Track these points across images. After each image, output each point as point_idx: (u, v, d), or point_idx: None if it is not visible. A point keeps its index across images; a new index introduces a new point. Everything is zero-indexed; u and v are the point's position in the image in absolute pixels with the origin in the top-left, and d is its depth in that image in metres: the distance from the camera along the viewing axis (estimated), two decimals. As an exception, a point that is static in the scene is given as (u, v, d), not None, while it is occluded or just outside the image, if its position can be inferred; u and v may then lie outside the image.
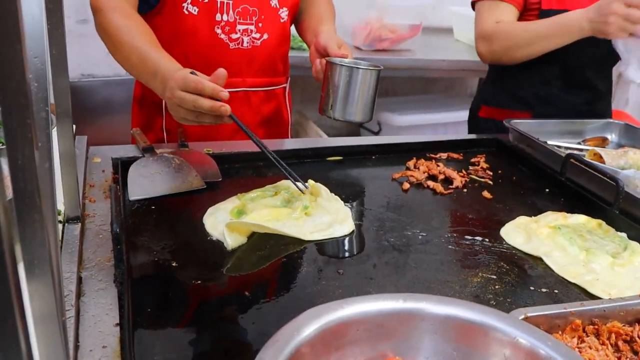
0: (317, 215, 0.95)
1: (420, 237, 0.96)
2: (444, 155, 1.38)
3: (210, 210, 0.97)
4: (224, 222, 0.90)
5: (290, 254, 0.88)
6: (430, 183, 1.21)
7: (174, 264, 0.81)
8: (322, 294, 0.77)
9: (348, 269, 0.84)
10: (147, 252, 0.84)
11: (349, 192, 1.11)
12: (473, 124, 1.68)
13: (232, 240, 0.87)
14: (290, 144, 1.40)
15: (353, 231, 0.95)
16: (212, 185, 1.11)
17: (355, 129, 2.83)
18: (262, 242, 0.90)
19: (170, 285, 0.77)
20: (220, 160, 1.20)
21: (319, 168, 1.31)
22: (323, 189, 1.06)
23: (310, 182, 1.08)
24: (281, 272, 0.83)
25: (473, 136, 1.46)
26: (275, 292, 0.78)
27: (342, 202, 1.03)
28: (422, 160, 1.32)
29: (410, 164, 1.32)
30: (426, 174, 1.27)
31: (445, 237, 0.97)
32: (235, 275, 0.81)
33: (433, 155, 1.40)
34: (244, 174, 1.18)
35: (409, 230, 0.98)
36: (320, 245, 0.91)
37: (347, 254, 0.90)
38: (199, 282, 0.78)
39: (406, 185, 1.19)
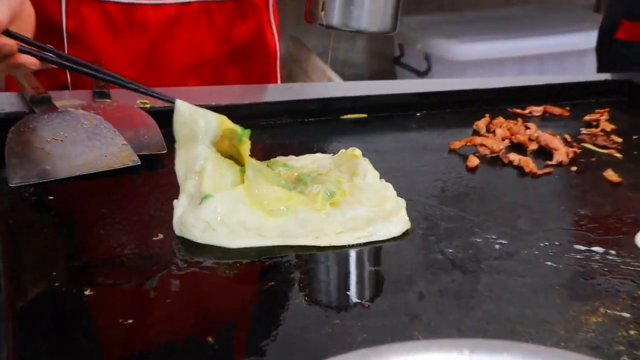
0: (350, 206, 0.98)
1: (497, 246, 0.94)
2: (537, 111, 1.38)
3: (180, 201, 0.96)
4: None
5: (285, 269, 0.87)
6: (515, 157, 1.18)
7: (87, 292, 0.79)
8: (335, 340, 0.74)
9: (378, 300, 0.83)
10: (41, 275, 0.82)
11: (380, 171, 1.10)
12: (605, 52, 1.65)
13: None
14: (278, 92, 1.43)
15: (407, 232, 0.96)
16: (151, 161, 1.11)
17: (387, 67, 2.77)
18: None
19: (82, 327, 0.76)
20: (165, 120, 1.17)
21: (329, 132, 1.32)
22: (363, 165, 1.07)
23: (343, 151, 1.11)
24: (269, 301, 0.83)
25: (591, 77, 1.48)
26: (258, 338, 0.75)
27: (390, 185, 1.06)
28: (501, 119, 1.31)
29: (481, 125, 1.31)
30: (507, 142, 1.25)
31: (540, 247, 0.94)
32: (192, 307, 0.81)
33: (519, 111, 1.39)
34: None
35: (479, 235, 0.97)
36: (336, 256, 0.91)
37: (375, 274, 0.89)
38: (130, 321, 0.76)
39: (473, 161, 1.17)
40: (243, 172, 0.98)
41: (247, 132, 0.99)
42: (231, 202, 0.93)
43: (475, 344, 0.57)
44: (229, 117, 1.27)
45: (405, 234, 0.96)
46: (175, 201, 0.95)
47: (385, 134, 1.33)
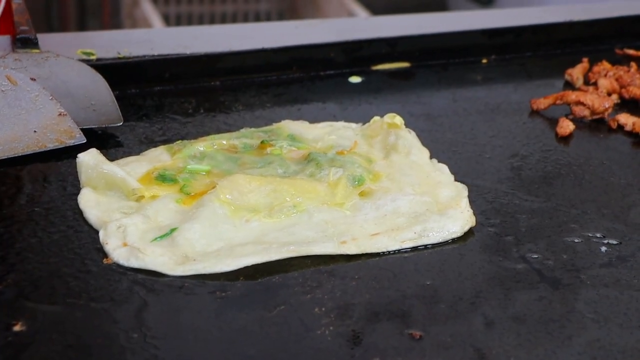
0: (387, 196, 1.00)
1: (604, 249, 0.97)
2: None
3: (93, 184, 1.01)
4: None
5: (300, 288, 0.89)
6: (627, 119, 1.21)
7: (16, 328, 0.81)
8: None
9: (433, 328, 0.84)
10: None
11: (431, 144, 1.13)
12: None
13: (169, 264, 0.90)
14: (282, 32, 1.43)
15: (471, 231, 0.99)
16: (101, 137, 1.14)
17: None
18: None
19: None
20: (118, 78, 1.24)
21: (356, 90, 1.33)
22: (406, 139, 1.11)
23: (377, 119, 1.15)
24: (278, 332, 0.84)
25: None
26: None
27: (445, 166, 1.09)
28: (606, 65, 1.34)
29: (576, 74, 1.32)
30: (616, 98, 1.27)
31: None
32: (175, 350, 0.81)
33: (632, 52, 1.42)
34: (176, 107, 1.25)
35: (577, 233, 0.99)
36: (371, 268, 0.93)
37: (428, 293, 0.90)
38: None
39: (567, 127, 1.20)
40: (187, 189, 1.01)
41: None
42: (207, 225, 0.95)
43: None
44: (209, 71, 1.31)
45: (468, 233, 0.98)
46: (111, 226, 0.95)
47: (438, 91, 1.35)
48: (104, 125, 1.14)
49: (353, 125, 1.17)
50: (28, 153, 1.07)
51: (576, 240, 0.97)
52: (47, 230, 0.96)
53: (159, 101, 1.27)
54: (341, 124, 1.18)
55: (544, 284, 0.90)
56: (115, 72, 1.25)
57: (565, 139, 1.18)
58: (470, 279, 0.91)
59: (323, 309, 0.85)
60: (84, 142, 1.09)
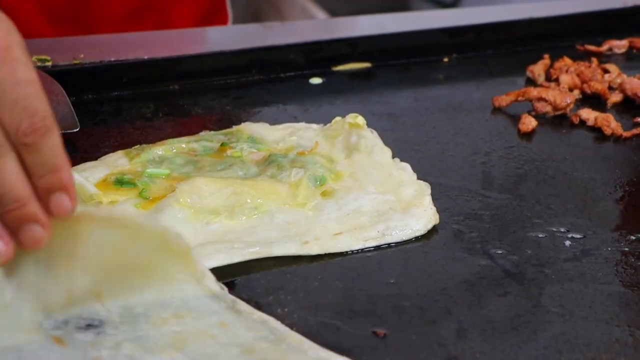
0: (350, 196, 1.00)
1: (568, 243, 0.97)
2: (619, 46, 1.42)
3: None
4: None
5: (263, 290, 0.89)
6: (589, 114, 1.21)
7: None
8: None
9: (398, 326, 0.84)
10: None
11: (394, 143, 1.13)
12: None
13: None
14: (242, 35, 1.43)
15: (435, 229, 0.98)
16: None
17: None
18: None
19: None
20: (73, 84, 1.23)
21: (318, 91, 1.33)
22: (368, 139, 1.10)
23: (339, 119, 1.14)
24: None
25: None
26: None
27: (407, 165, 1.09)
28: (567, 61, 1.34)
29: (538, 70, 1.33)
30: (577, 94, 1.28)
31: (630, 241, 0.97)
32: None
33: (593, 48, 1.43)
34: (135, 112, 1.24)
35: (541, 228, 0.99)
36: (334, 268, 0.93)
37: (392, 292, 0.90)
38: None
39: (529, 123, 1.20)
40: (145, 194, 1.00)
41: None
42: (168, 224, 0.93)
43: None
44: (170, 75, 1.31)
45: (432, 231, 0.97)
46: None
47: (400, 90, 1.34)
48: (60, 132, 1.13)
49: (314, 126, 1.17)
50: None
51: (540, 236, 0.97)
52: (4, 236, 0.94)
53: (117, 106, 1.26)
54: (302, 124, 1.17)
55: (508, 280, 0.90)
56: (71, 78, 1.24)
57: (527, 135, 1.18)
58: (434, 277, 0.91)
59: (286, 309, 0.85)
60: None
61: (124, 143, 1.14)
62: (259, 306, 0.85)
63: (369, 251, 0.94)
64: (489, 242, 0.96)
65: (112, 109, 1.25)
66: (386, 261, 0.93)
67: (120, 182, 1.01)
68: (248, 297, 0.86)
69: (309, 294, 0.88)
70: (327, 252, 0.94)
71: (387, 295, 0.88)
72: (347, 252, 0.94)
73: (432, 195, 1.02)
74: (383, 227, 0.96)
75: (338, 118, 1.14)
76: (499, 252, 0.94)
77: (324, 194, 1.00)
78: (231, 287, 0.88)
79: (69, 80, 1.21)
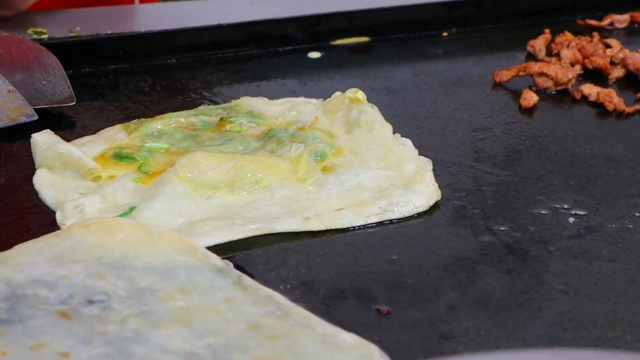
0: (351, 171, 1.01)
1: (571, 219, 0.97)
2: (621, 21, 1.43)
3: (49, 164, 1.00)
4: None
5: (264, 266, 0.89)
6: (591, 89, 1.21)
7: None
8: None
9: (401, 303, 0.85)
10: None
11: (394, 119, 1.13)
12: None
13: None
14: (238, 8, 1.42)
15: (437, 205, 0.99)
16: (54, 117, 1.15)
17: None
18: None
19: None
20: (71, 57, 1.23)
21: (316, 66, 1.32)
22: (368, 114, 1.11)
23: (338, 94, 1.15)
24: None
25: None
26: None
27: (408, 140, 1.09)
28: (568, 36, 1.34)
29: (538, 45, 1.33)
30: (579, 69, 1.28)
31: (635, 217, 0.98)
32: None
33: (594, 22, 1.44)
34: (132, 85, 1.26)
35: (544, 204, 1.00)
36: (336, 244, 0.93)
37: (394, 268, 0.90)
38: None
39: (530, 98, 1.20)
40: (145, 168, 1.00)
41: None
42: (166, 202, 0.94)
43: (554, 356, 0.58)
44: (167, 48, 1.31)
45: (434, 207, 0.98)
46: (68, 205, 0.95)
47: (399, 65, 1.35)
48: (56, 105, 1.13)
49: (313, 100, 1.17)
50: None
51: (543, 212, 0.97)
52: (2, 212, 0.95)
53: (114, 80, 1.27)
54: (301, 99, 1.17)
55: (512, 257, 0.90)
56: (67, 51, 1.24)
57: (529, 111, 1.19)
58: (437, 253, 0.91)
59: (288, 286, 0.85)
60: (35, 119, 1.09)
61: (122, 117, 1.14)
62: (261, 282, 0.85)
63: (371, 227, 0.95)
64: (491, 218, 0.97)
65: (109, 82, 1.26)
66: (388, 237, 0.94)
67: (119, 156, 1.01)
68: (250, 274, 0.86)
69: (311, 270, 0.88)
70: (328, 228, 0.94)
71: (390, 272, 0.88)
72: (348, 228, 0.94)
73: (434, 171, 1.02)
74: (385, 203, 0.96)
75: (338, 93, 1.15)
76: (502, 228, 0.95)
77: (325, 169, 1.00)
78: (232, 263, 0.88)
79: (66, 53, 1.21)
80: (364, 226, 0.95)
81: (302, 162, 1.00)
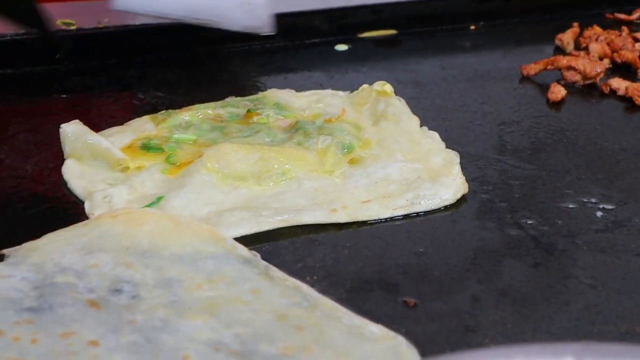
0: (378, 163, 1.01)
1: (599, 214, 0.97)
2: None
3: (78, 155, 1.01)
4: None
5: (291, 257, 0.89)
6: (620, 84, 1.21)
7: None
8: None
9: (428, 295, 0.85)
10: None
11: (420, 112, 1.13)
12: None
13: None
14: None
15: (464, 198, 0.99)
16: (83, 108, 1.17)
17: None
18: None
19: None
20: (99, 48, 1.26)
21: (343, 59, 1.32)
22: (396, 106, 1.11)
23: (366, 87, 1.15)
24: None
25: None
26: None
27: (435, 133, 1.09)
28: (597, 30, 1.34)
29: (567, 38, 1.32)
30: (607, 63, 1.27)
31: None
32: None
33: (623, 16, 1.43)
34: (160, 77, 1.27)
35: (571, 198, 1.00)
36: (362, 236, 0.93)
37: (422, 260, 0.91)
38: None
39: (558, 92, 1.20)
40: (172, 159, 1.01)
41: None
42: (194, 191, 0.95)
43: (582, 349, 0.57)
44: (195, 40, 1.31)
45: (461, 200, 0.98)
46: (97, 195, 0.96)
47: (426, 58, 1.35)
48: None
49: (340, 93, 1.17)
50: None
51: (571, 206, 0.97)
52: (32, 201, 0.97)
53: (142, 71, 1.27)
54: (328, 91, 1.18)
55: (539, 250, 0.90)
56: (95, 42, 1.25)
57: (556, 105, 1.18)
58: (464, 246, 0.91)
59: (315, 277, 0.86)
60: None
61: (150, 108, 1.15)
62: (288, 274, 0.85)
63: (398, 220, 0.95)
64: (518, 211, 0.97)
65: (137, 73, 1.26)
66: (415, 230, 0.94)
67: (147, 147, 1.02)
68: (277, 265, 0.86)
69: (337, 262, 0.88)
70: (355, 220, 0.94)
71: (416, 264, 0.88)
72: (375, 220, 0.95)
73: (461, 164, 1.02)
74: (412, 196, 0.96)
75: (365, 85, 1.15)
76: (529, 222, 0.94)
77: (352, 162, 1.01)
78: (259, 254, 0.88)
79: (94, 45, 1.23)
80: (391, 219, 0.95)
81: (329, 154, 1.01)
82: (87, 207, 0.94)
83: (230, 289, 0.77)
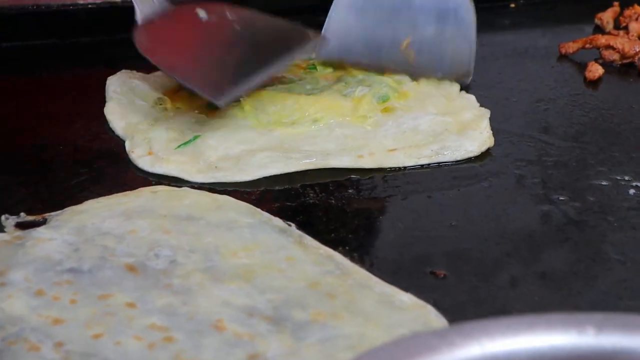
0: (409, 115, 1.03)
1: (632, 191, 0.97)
2: None
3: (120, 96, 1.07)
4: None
5: (310, 203, 0.93)
6: None
7: None
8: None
9: (457, 267, 0.85)
10: None
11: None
12: None
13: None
14: None
15: (488, 152, 1.00)
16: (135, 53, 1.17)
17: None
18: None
19: None
20: None
21: None
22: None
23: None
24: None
25: None
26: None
27: (472, 96, 1.11)
28: (637, 8, 1.32)
29: (606, 17, 1.32)
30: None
31: None
32: None
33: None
34: None
35: (604, 176, 1.00)
36: (386, 182, 0.96)
37: (457, 233, 0.91)
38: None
39: (595, 71, 1.20)
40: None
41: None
42: (229, 131, 0.99)
43: (603, 319, 0.57)
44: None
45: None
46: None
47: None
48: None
49: None
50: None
51: (604, 183, 0.97)
52: (74, 137, 1.03)
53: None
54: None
55: (570, 226, 0.91)
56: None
57: (594, 83, 1.18)
58: (495, 220, 0.92)
59: (347, 247, 0.86)
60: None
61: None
62: (321, 243, 0.86)
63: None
64: (551, 188, 0.97)
65: None
66: (448, 204, 0.95)
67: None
68: (311, 235, 0.87)
69: (369, 234, 0.90)
70: (380, 167, 0.97)
71: (448, 238, 0.89)
72: (399, 168, 0.98)
73: (496, 140, 1.03)
74: (437, 147, 0.99)
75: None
76: (562, 198, 0.95)
77: (385, 111, 1.03)
78: (288, 194, 0.93)
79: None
80: (415, 167, 0.98)
81: (363, 101, 1.03)
82: (127, 145, 0.98)
83: (265, 257, 0.79)
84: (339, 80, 1.08)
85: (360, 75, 1.10)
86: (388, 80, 1.07)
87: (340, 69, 1.12)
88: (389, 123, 1.01)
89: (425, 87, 1.09)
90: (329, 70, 1.12)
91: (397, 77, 1.10)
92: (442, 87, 1.10)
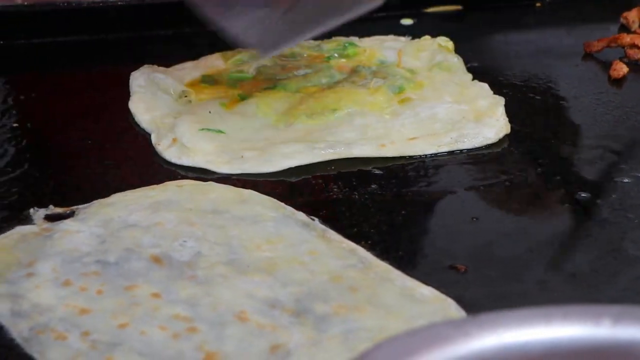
0: (426, 104, 1.04)
1: (655, 189, 0.96)
2: None
3: (144, 90, 1.07)
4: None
5: (338, 192, 0.93)
6: None
7: None
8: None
9: (477, 262, 0.85)
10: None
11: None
12: None
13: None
14: None
15: (506, 139, 1.01)
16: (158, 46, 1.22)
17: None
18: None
19: None
20: None
21: (408, 32, 1.32)
22: (452, 62, 1.14)
23: (428, 38, 1.18)
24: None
25: None
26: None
27: (485, 84, 1.11)
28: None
29: (632, 16, 1.31)
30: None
31: None
32: None
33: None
34: None
35: (626, 173, 0.99)
36: (407, 171, 0.98)
37: (479, 228, 0.92)
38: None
39: (620, 69, 1.19)
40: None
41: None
42: (251, 128, 1.01)
43: (620, 312, 0.56)
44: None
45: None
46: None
47: (490, 33, 1.35)
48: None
49: (402, 38, 1.19)
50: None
51: (625, 180, 0.97)
52: (100, 131, 1.05)
53: (215, 39, 1.26)
54: (391, 37, 1.20)
55: (590, 223, 0.91)
56: (172, 10, 1.26)
57: (618, 82, 1.18)
58: (516, 215, 0.93)
59: (369, 242, 0.86)
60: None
61: (223, 46, 1.14)
62: (331, 213, 0.90)
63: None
64: (573, 185, 0.97)
65: (207, 42, 1.25)
66: (470, 200, 0.96)
67: (207, 80, 1.08)
68: (334, 229, 0.88)
69: (392, 228, 0.90)
70: (401, 155, 0.98)
71: (469, 233, 0.90)
72: (420, 156, 0.99)
73: (517, 138, 1.03)
74: (456, 135, 1.00)
75: (428, 36, 1.17)
76: (583, 195, 0.95)
77: (402, 102, 1.04)
78: (311, 185, 0.94)
79: (169, 13, 1.26)
80: (436, 155, 0.99)
81: (380, 93, 1.04)
82: (153, 138, 1.00)
83: (288, 250, 0.80)
84: (353, 71, 1.09)
85: (374, 66, 1.11)
86: (401, 71, 1.09)
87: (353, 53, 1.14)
88: (406, 112, 1.02)
89: (438, 75, 1.10)
90: (343, 60, 1.13)
91: (410, 67, 1.11)
92: (454, 75, 1.11)
